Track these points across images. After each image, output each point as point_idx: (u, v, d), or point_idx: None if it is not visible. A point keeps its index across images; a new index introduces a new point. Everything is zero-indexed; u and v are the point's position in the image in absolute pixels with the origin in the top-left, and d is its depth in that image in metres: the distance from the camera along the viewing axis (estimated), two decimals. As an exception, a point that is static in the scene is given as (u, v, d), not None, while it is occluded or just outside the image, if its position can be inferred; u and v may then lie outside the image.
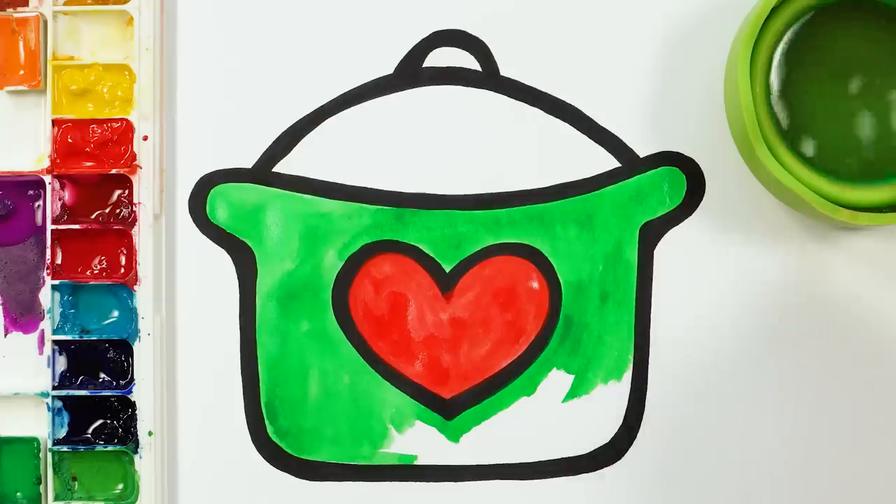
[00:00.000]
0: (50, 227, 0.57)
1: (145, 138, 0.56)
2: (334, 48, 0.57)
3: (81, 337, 0.57)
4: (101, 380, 0.57)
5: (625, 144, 0.57)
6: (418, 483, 0.57)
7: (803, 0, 0.53)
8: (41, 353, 0.57)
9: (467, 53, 0.57)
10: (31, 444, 0.57)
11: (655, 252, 0.57)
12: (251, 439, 0.57)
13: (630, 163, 0.57)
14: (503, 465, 0.57)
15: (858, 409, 0.56)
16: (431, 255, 0.57)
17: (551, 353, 0.57)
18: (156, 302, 0.56)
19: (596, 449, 0.56)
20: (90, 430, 0.57)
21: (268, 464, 0.57)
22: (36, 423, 0.57)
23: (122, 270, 0.57)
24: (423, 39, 0.57)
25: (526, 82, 0.57)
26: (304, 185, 0.57)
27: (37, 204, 0.58)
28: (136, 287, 0.56)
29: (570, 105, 0.57)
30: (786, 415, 0.56)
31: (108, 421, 0.57)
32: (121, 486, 0.57)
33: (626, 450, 0.56)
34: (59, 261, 0.57)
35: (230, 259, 0.57)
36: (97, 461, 0.57)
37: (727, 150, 0.56)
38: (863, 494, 0.56)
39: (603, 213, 0.57)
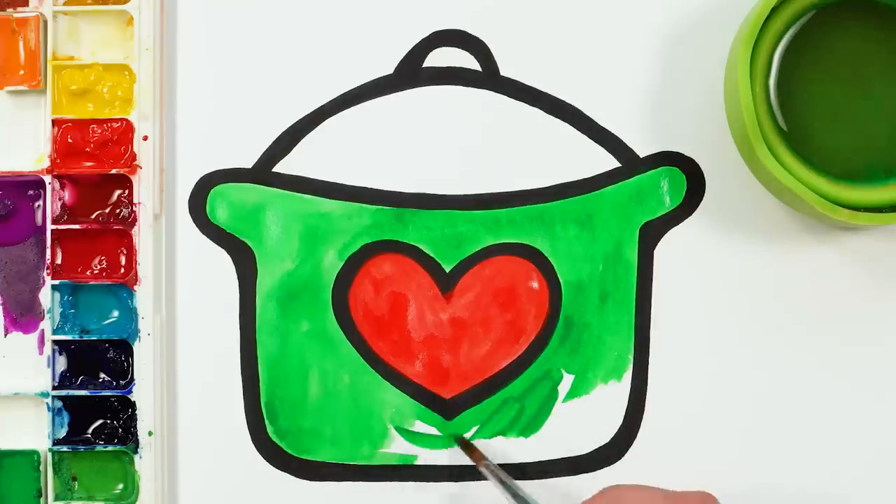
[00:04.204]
0: (50, 227, 0.57)
1: (145, 138, 0.56)
2: (334, 48, 0.57)
3: (81, 337, 0.57)
4: (101, 380, 0.57)
5: (625, 144, 0.57)
6: (418, 483, 0.57)
7: (803, 0, 0.53)
8: (41, 353, 0.57)
9: (467, 53, 0.57)
10: (30, 456, 0.56)
11: (655, 252, 0.57)
12: (251, 439, 0.57)
13: (630, 163, 0.57)
14: (503, 464, 0.57)
15: (859, 409, 0.56)
16: (431, 255, 0.57)
17: (551, 353, 0.57)
18: (156, 302, 0.56)
19: (596, 449, 0.56)
20: (90, 430, 0.57)
21: (268, 464, 0.57)
22: (36, 424, 0.57)
23: (122, 270, 0.57)
24: (423, 39, 0.57)
25: (526, 82, 0.57)
26: (304, 185, 0.57)
27: (37, 204, 0.58)
28: (136, 287, 0.56)
29: (570, 105, 0.57)
30: (785, 415, 0.56)
31: (108, 421, 0.57)
32: (121, 486, 0.57)
33: (626, 450, 0.56)
34: (59, 261, 0.57)
35: (230, 259, 0.57)
36: (97, 461, 0.57)
37: (727, 150, 0.56)
38: (863, 494, 0.56)
39: (603, 213, 0.57)
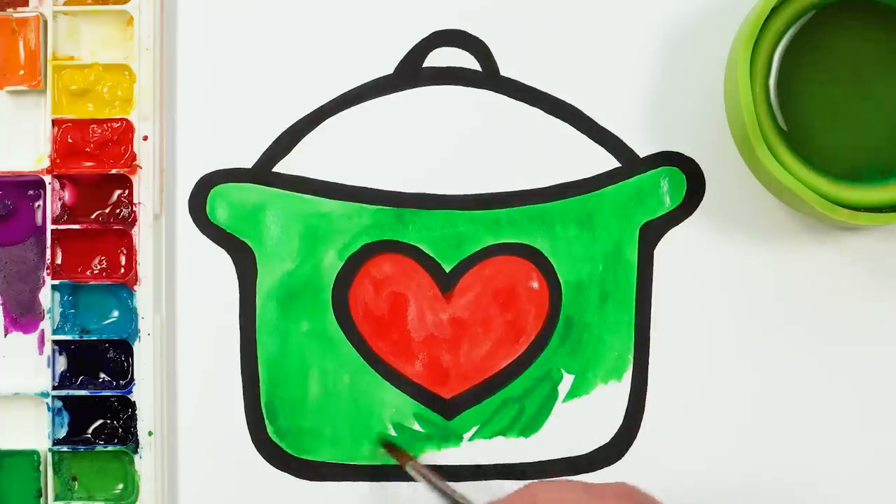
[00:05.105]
0: (50, 227, 0.57)
1: (145, 138, 0.56)
2: (334, 48, 0.57)
3: (81, 337, 0.57)
4: (101, 380, 0.57)
5: (625, 144, 0.57)
6: (418, 483, 0.57)
7: (803, 0, 0.53)
8: (41, 353, 0.57)
9: (467, 53, 0.57)
10: (30, 456, 0.56)
11: (655, 252, 0.57)
12: (251, 439, 0.57)
13: (630, 163, 0.57)
14: (503, 464, 0.57)
15: (859, 409, 0.56)
16: (431, 255, 0.57)
17: (551, 353, 0.57)
18: (156, 302, 0.56)
19: (596, 449, 0.56)
20: (90, 430, 0.57)
21: (268, 464, 0.57)
22: (36, 424, 0.57)
23: (122, 270, 0.57)
24: (423, 39, 0.57)
25: (526, 82, 0.57)
26: (304, 185, 0.57)
27: (37, 204, 0.58)
28: (136, 287, 0.56)
29: (570, 105, 0.57)
30: (785, 415, 0.56)
31: (108, 421, 0.57)
32: (121, 486, 0.57)
33: (626, 450, 0.56)
34: (59, 261, 0.57)
35: (230, 259, 0.57)
36: (97, 461, 0.57)
37: (727, 150, 0.56)
38: (864, 494, 0.56)
39: (603, 213, 0.57)
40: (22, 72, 0.57)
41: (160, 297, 0.57)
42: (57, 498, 0.57)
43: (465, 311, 0.57)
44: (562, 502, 0.47)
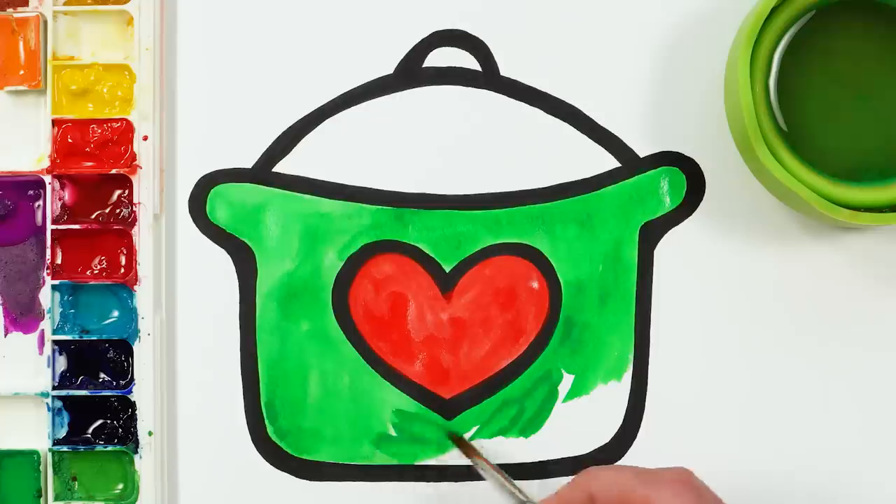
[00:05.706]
0: (50, 227, 0.57)
1: (145, 138, 0.56)
2: (334, 48, 0.57)
3: (81, 337, 0.57)
4: (101, 380, 0.57)
5: (625, 144, 0.57)
6: (418, 483, 0.57)
7: (803, 0, 0.53)
8: (41, 353, 0.57)
9: (467, 53, 0.57)
10: (30, 456, 0.56)
11: (655, 252, 0.57)
12: (251, 439, 0.57)
13: (630, 163, 0.57)
14: (503, 465, 0.57)
15: (860, 408, 0.56)
16: (431, 255, 0.57)
17: (551, 353, 0.57)
18: (156, 302, 0.56)
19: (596, 449, 0.56)
20: (90, 430, 0.57)
21: (268, 464, 0.57)
22: (36, 424, 0.57)
23: (122, 270, 0.57)
24: (423, 39, 0.57)
25: (526, 82, 0.57)
26: (304, 185, 0.57)
27: (37, 204, 0.58)
28: (136, 287, 0.56)
29: (570, 105, 0.57)
30: (785, 415, 0.56)
31: (108, 421, 0.57)
32: (121, 486, 0.57)
33: (626, 450, 0.56)
34: (59, 261, 0.57)
35: (230, 259, 0.57)
36: (97, 461, 0.57)
37: (727, 150, 0.56)
38: (864, 493, 0.56)
39: (603, 213, 0.57)
40: (22, 72, 0.57)
41: (160, 297, 0.57)
42: (57, 498, 0.57)
43: (465, 312, 0.57)
44: (615, 492, 0.48)
